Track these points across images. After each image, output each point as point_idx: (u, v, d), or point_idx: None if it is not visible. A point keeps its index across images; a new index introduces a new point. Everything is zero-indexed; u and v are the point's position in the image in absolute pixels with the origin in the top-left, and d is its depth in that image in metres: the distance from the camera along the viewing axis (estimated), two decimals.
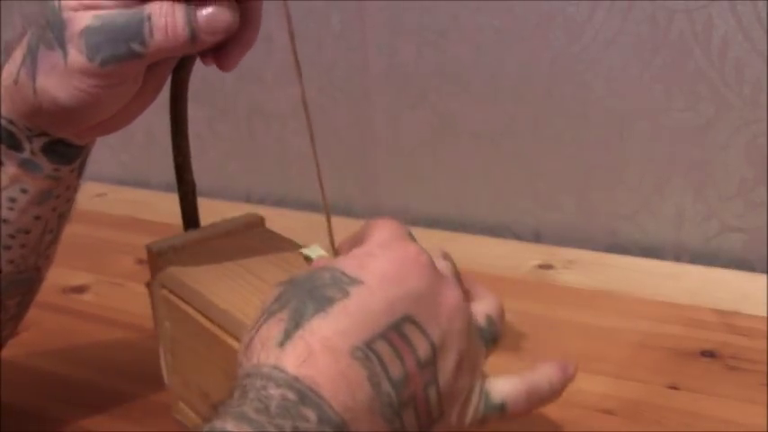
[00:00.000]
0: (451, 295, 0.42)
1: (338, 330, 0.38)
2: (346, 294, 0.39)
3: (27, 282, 0.52)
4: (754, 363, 0.61)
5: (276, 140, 0.95)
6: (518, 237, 0.86)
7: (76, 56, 0.43)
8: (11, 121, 0.47)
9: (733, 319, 0.66)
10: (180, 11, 0.43)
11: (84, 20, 0.43)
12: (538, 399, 0.45)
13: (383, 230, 0.44)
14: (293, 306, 0.39)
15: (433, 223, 0.90)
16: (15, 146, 0.47)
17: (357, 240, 0.45)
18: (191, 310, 0.50)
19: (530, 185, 0.85)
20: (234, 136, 0.98)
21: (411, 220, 0.91)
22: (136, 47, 0.43)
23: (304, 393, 0.36)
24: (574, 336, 0.66)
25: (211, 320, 0.49)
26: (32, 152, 0.48)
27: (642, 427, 0.55)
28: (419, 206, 0.91)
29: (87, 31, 0.43)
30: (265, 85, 0.93)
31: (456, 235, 0.86)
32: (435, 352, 0.40)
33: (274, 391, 0.36)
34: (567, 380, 0.46)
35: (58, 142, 0.48)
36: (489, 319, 0.44)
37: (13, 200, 0.49)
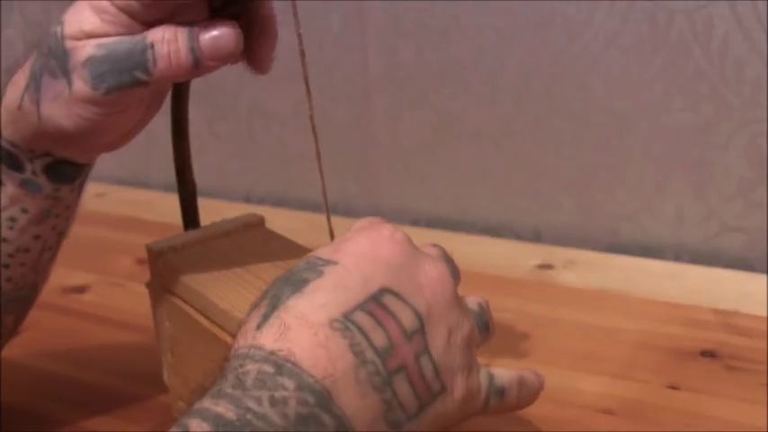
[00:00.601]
0: (432, 269, 0.42)
1: (314, 305, 0.38)
2: (320, 274, 0.40)
3: (24, 298, 0.53)
4: (754, 363, 0.60)
5: (276, 140, 0.95)
6: (518, 236, 0.86)
7: (81, 85, 0.44)
8: (13, 144, 0.47)
9: (733, 319, 0.66)
10: (183, 37, 0.43)
11: (87, 49, 0.43)
12: (526, 394, 0.46)
13: (362, 222, 0.45)
14: (271, 293, 0.40)
15: (433, 223, 0.90)
16: (16, 166, 0.48)
17: None
18: (191, 310, 0.50)
19: (530, 185, 0.85)
20: (234, 136, 0.98)
21: (411, 220, 0.91)
22: (140, 75, 0.43)
23: (280, 364, 0.36)
24: (574, 336, 0.66)
25: (211, 320, 0.49)
26: (33, 172, 0.48)
27: (642, 427, 0.55)
28: (419, 206, 0.91)
29: (91, 61, 0.43)
30: (265, 85, 0.93)
31: (456, 235, 0.86)
32: (422, 321, 0.40)
33: (251, 367, 0.36)
34: (541, 385, 0.47)
35: (60, 162, 0.48)
36: (480, 305, 0.45)
37: (12, 219, 0.49)
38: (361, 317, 0.38)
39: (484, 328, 0.45)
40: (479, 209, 0.88)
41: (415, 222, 0.91)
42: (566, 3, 0.77)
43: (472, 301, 0.45)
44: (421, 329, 0.40)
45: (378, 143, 0.90)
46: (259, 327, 0.38)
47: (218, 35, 0.43)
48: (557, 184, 0.83)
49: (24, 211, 0.49)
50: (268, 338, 0.37)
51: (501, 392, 0.44)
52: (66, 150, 0.48)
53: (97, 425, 0.59)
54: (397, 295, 0.40)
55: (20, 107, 0.46)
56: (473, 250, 0.81)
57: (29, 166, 0.48)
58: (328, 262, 0.40)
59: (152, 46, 0.43)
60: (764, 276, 0.72)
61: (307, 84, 0.45)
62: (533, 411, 0.56)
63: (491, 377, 0.44)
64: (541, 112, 0.81)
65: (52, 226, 0.51)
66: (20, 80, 0.47)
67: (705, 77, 0.73)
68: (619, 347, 0.64)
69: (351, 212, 0.90)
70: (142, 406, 0.60)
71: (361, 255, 0.41)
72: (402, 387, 0.39)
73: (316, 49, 0.88)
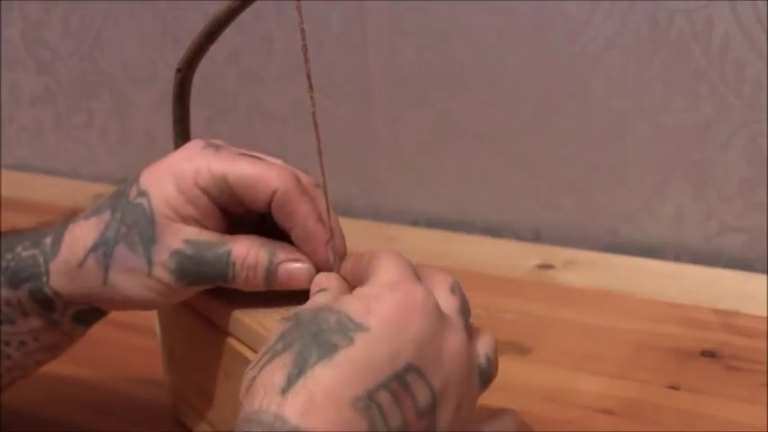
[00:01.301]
0: (455, 340, 0.41)
1: (341, 379, 0.37)
2: (351, 342, 0.38)
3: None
4: (754, 363, 0.61)
5: (276, 140, 0.95)
6: (518, 237, 0.86)
7: (163, 273, 0.45)
8: (57, 293, 0.48)
9: (733, 319, 0.66)
10: (262, 265, 0.45)
11: (176, 240, 0.45)
12: None
13: (390, 268, 0.43)
14: (297, 350, 0.38)
15: (432, 223, 0.90)
16: (49, 309, 0.48)
17: (360, 269, 0.44)
18: (191, 310, 0.50)
19: (530, 185, 0.85)
20: (234, 136, 0.98)
21: (411, 220, 0.91)
22: (219, 281, 0.46)
23: None
24: (574, 336, 0.66)
25: (212, 320, 0.49)
26: (62, 314, 0.49)
27: (642, 427, 0.55)
28: (419, 206, 0.91)
29: (178, 256, 0.45)
30: (265, 85, 0.93)
31: (456, 235, 0.86)
32: (435, 400, 0.39)
33: None
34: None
35: (91, 310, 0.49)
36: (488, 358, 0.44)
37: (23, 343, 0.49)
38: (383, 396, 0.38)
39: (485, 383, 0.44)
40: (479, 209, 0.88)
41: (415, 222, 0.91)
42: (566, 3, 0.77)
43: (481, 354, 0.44)
44: (433, 407, 0.39)
45: (378, 143, 0.90)
46: (284, 392, 0.37)
47: (293, 271, 0.46)
48: (557, 184, 0.83)
49: (36, 340, 0.50)
50: (293, 410, 0.36)
51: None
52: (107, 306, 0.49)
53: (97, 425, 0.59)
54: (419, 373, 0.39)
55: (81, 266, 0.47)
56: (473, 250, 0.81)
57: (60, 310, 0.48)
58: (359, 327, 0.39)
59: (233, 265, 0.45)
60: (764, 276, 0.72)
61: (309, 80, 0.45)
62: (533, 411, 0.56)
63: None
64: (541, 112, 0.81)
65: (55, 354, 0.52)
66: (85, 237, 0.47)
67: (705, 77, 0.73)
68: (619, 347, 0.64)
69: (351, 212, 0.90)
70: (142, 406, 0.60)
71: (392, 323, 0.39)
72: None
73: (316, 48, 0.88)
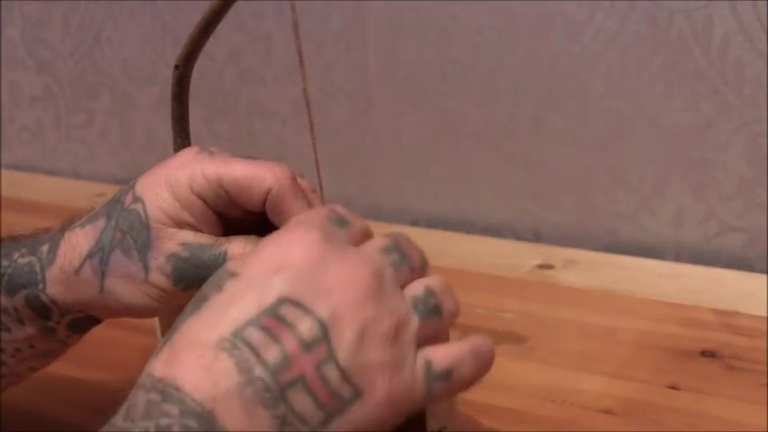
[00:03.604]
0: (344, 267, 0.39)
1: (207, 325, 0.37)
2: (219, 289, 0.39)
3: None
4: (754, 363, 0.60)
5: (276, 140, 0.95)
6: (518, 236, 0.86)
7: (159, 276, 0.45)
8: (53, 300, 0.47)
9: (733, 319, 0.66)
10: None
11: (171, 244, 0.45)
12: (482, 362, 0.42)
13: (293, 219, 0.43)
14: (182, 315, 0.39)
15: (432, 223, 0.90)
16: (45, 316, 0.48)
17: None
18: None
19: (530, 185, 0.85)
20: (234, 136, 0.98)
21: (411, 220, 0.91)
22: None
23: (166, 391, 0.36)
24: (574, 336, 0.66)
25: None
26: (58, 323, 0.48)
27: (642, 426, 0.55)
28: (419, 206, 0.91)
29: (174, 259, 0.45)
30: (265, 84, 0.93)
31: (456, 235, 0.86)
32: (326, 327, 0.38)
33: (141, 397, 0.36)
34: (491, 345, 0.43)
35: (87, 318, 0.49)
36: (428, 289, 0.41)
37: (18, 350, 0.49)
38: (252, 333, 0.37)
39: (432, 311, 0.41)
40: (479, 209, 0.88)
41: (415, 222, 0.91)
42: (566, 3, 0.77)
43: (417, 286, 0.42)
44: (324, 336, 0.38)
45: (378, 143, 0.90)
46: (156, 353, 0.38)
47: None
48: (557, 184, 0.83)
49: (32, 347, 0.49)
50: (158, 365, 0.37)
51: (446, 376, 0.40)
52: (103, 314, 0.49)
53: (97, 425, 0.59)
54: (296, 304, 0.38)
55: (77, 273, 0.46)
56: (473, 250, 0.81)
57: (56, 318, 0.48)
58: (230, 275, 0.39)
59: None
60: (764, 276, 0.72)
61: (304, 83, 0.45)
62: (533, 411, 0.56)
63: (428, 365, 0.40)
64: (541, 112, 0.81)
65: (49, 361, 0.52)
66: (81, 244, 0.47)
67: (705, 77, 0.73)
68: (618, 347, 0.64)
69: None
70: None
71: (264, 263, 0.39)
72: (299, 399, 0.37)
73: (316, 48, 0.88)
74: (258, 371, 0.36)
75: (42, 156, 1.11)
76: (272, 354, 0.37)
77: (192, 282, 0.45)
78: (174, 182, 0.46)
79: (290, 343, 0.37)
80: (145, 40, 0.98)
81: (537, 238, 0.86)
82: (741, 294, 0.69)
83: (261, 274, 0.39)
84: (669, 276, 0.74)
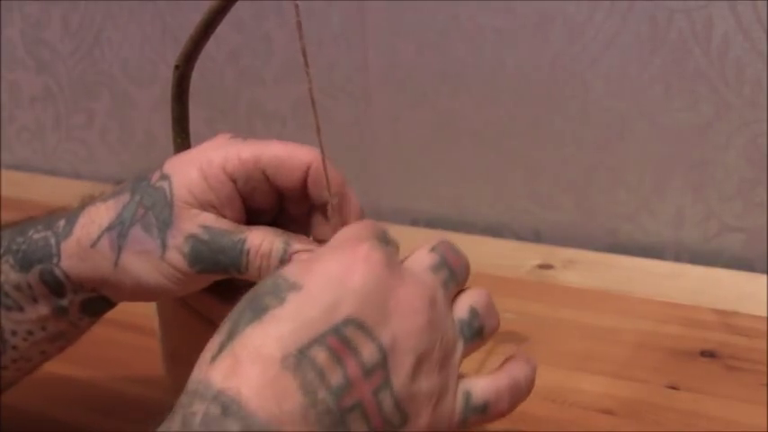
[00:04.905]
0: (407, 292, 0.39)
1: (270, 338, 0.36)
2: (282, 301, 0.37)
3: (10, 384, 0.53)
4: (754, 363, 0.61)
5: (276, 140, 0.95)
6: (518, 236, 0.86)
7: (176, 256, 0.45)
8: (67, 275, 0.47)
9: (733, 319, 0.66)
10: (276, 254, 0.44)
11: (192, 225, 0.45)
12: (519, 395, 0.43)
13: (346, 232, 0.42)
14: (233, 318, 0.38)
15: (432, 223, 0.90)
16: (58, 293, 0.48)
17: None
18: (191, 310, 0.50)
19: (530, 185, 0.85)
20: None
21: (411, 220, 0.91)
22: (232, 271, 0.45)
23: (227, 406, 0.34)
24: (574, 336, 0.66)
25: (212, 320, 0.49)
26: (70, 302, 0.48)
27: (641, 426, 0.55)
28: (419, 206, 0.91)
29: (194, 241, 0.45)
30: (265, 85, 0.93)
31: (456, 235, 0.86)
32: (385, 354, 0.37)
33: (198, 407, 0.35)
34: (534, 371, 0.44)
35: (99, 299, 0.48)
36: (473, 311, 0.42)
37: (30, 333, 0.49)
38: (317, 352, 0.36)
39: (475, 334, 0.42)
40: (479, 209, 0.88)
41: (415, 222, 0.91)
42: (566, 3, 0.77)
43: (462, 307, 0.42)
44: (383, 363, 0.37)
45: (378, 143, 0.90)
46: (213, 359, 0.36)
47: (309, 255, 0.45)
48: (557, 184, 0.83)
49: (44, 329, 0.49)
50: (218, 375, 0.36)
51: (482, 409, 0.41)
52: (116, 294, 0.48)
53: (97, 425, 0.59)
54: (361, 327, 0.37)
55: (94, 245, 0.46)
56: (473, 250, 0.80)
57: (69, 296, 0.48)
58: (293, 286, 0.38)
59: (247, 253, 0.44)
60: (764, 276, 0.72)
61: (310, 83, 0.45)
62: (533, 411, 0.56)
63: (467, 395, 0.41)
64: (541, 112, 0.81)
65: (60, 346, 0.51)
66: (101, 217, 0.46)
67: (705, 77, 0.73)
68: (619, 347, 0.64)
69: None
70: (142, 406, 0.60)
71: (329, 278, 0.38)
72: (357, 424, 0.37)
73: (316, 48, 0.88)
74: (322, 393, 0.36)
75: (42, 156, 1.11)
76: (336, 377, 0.36)
77: (208, 266, 0.45)
78: (204, 162, 0.46)
79: (353, 367, 0.37)
80: (145, 40, 0.98)
81: (537, 238, 0.86)
82: (741, 294, 0.69)
83: (325, 289, 0.38)
84: (669, 276, 0.74)
